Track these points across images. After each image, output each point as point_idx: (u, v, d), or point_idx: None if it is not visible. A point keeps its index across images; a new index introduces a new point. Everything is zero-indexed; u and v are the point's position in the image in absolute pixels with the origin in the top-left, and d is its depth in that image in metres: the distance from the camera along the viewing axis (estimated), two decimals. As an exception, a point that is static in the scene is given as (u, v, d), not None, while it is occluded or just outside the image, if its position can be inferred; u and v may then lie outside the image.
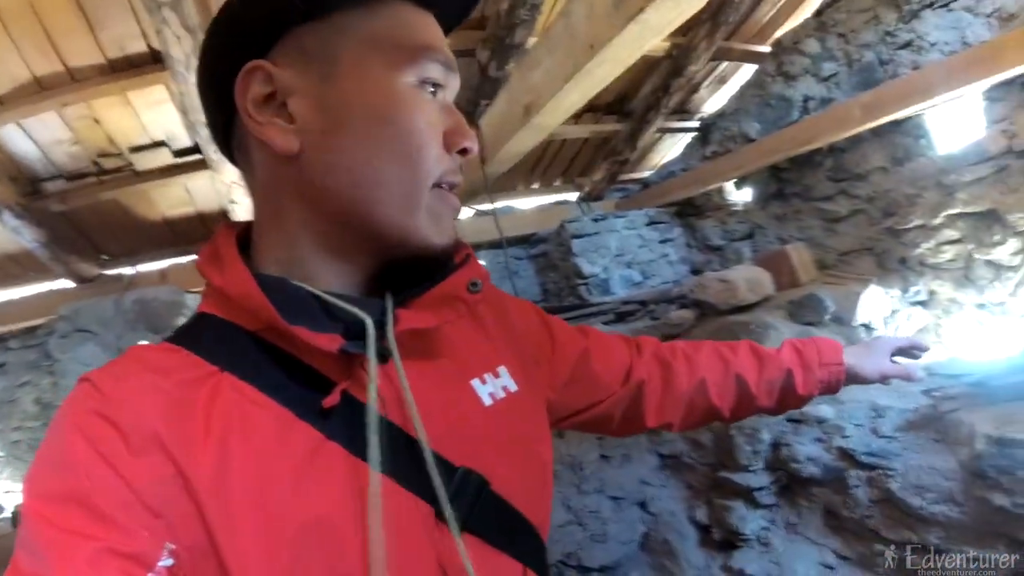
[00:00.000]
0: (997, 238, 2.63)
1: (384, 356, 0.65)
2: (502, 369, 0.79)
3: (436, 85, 0.68)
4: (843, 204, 3.37)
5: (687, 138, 4.50)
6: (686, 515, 3.01)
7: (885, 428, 2.30)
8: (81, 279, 3.66)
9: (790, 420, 2.58)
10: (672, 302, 3.61)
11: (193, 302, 3.37)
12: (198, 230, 3.80)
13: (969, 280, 2.79)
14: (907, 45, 2.88)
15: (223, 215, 3.51)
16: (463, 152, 0.69)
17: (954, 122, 2.80)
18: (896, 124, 2.98)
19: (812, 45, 3.33)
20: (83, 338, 3.29)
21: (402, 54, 0.65)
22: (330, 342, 0.61)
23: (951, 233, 2.82)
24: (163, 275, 3.71)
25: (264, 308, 0.59)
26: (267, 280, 0.63)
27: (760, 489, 2.62)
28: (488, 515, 0.67)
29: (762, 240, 3.94)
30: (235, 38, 0.65)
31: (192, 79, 2.26)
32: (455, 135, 0.68)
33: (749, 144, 3.71)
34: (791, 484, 2.57)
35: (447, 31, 0.73)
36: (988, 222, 2.68)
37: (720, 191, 4.11)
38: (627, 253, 4.22)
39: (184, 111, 2.84)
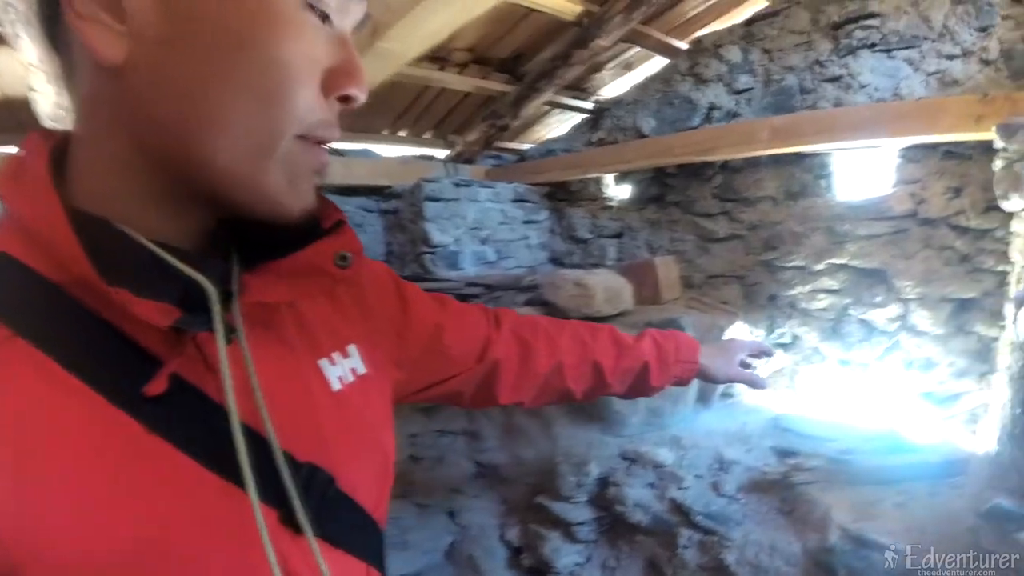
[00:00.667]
0: (879, 299, 2.48)
1: (226, 334, 0.54)
2: (352, 348, 0.73)
3: (329, 10, 0.53)
4: (723, 225, 3.14)
5: (577, 119, 4.13)
6: (497, 533, 2.67)
7: (728, 486, 2.04)
8: None
9: (624, 458, 2.28)
10: (523, 291, 3.27)
11: None
12: (8, 119, 3.01)
13: (838, 334, 2.64)
14: (835, 79, 2.65)
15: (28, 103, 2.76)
16: (346, 100, 0.56)
17: (862, 171, 2.61)
18: (800, 157, 2.77)
19: (734, 53, 3.04)
20: None
21: None
22: (161, 315, 0.49)
23: (830, 282, 2.65)
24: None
25: (76, 258, 0.46)
26: (84, 220, 0.49)
27: (580, 524, 2.31)
28: (334, 515, 0.60)
29: (630, 243, 3.67)
30: None
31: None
32: (340, 76, 0.54)
33: (641, 139, 3.39)
34: (615, 525, 2.28)
35: None
36: (872, 281, 2.52)
37: (599, 182, 3.79)
38: (485, 227, 3.77)
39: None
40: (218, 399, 0.54)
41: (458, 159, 4.08)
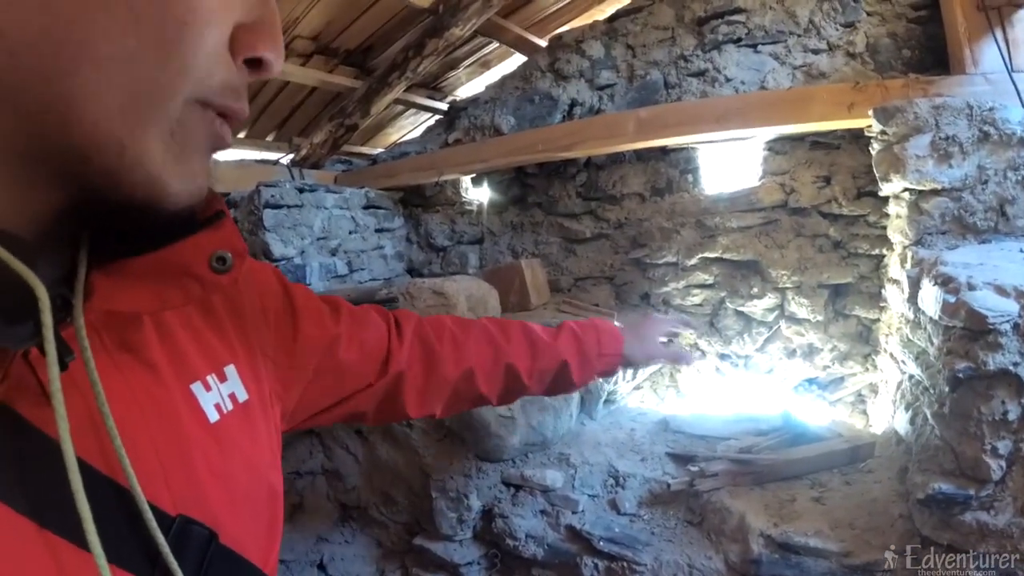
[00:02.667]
0: (755, 291, 2.44)
1: (62, 354, 0.40)
2: (230, 370, 0.60)
3: None
4: (589, 225, 3.03)
5: (431, 120, 3.90)
6: (377, 581, 2.34)
7: (627, 503, 1.87)
8: None
9: (508, 485, 2.05)
10: (382, 304, 2.97)
11: None
12: None
13: (715, 328, 2.58)
14: (701, 74, 2.62)
15: None
16: (257, 65, 0.45)
17: (728, 164, 2.58)
18: (664, 152, 2.72)
19: (596, 48, 2.94)
20: None
21: None
22: None
23: (704, 277, 2.59)
24: None
25: None
26: None
27: (468, 564, 2.05)
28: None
29: (492, 248, 3.48)
30: None
31: None
32: (252, 33, 0.43)
33: (500, 137, 3.21)
34: (507, 561, 2.05)
35: None
36: (746, 272, 2.48)
37: (456, 185, 3.57)
38: (334, 237, 3.41)
39: None
40: (53, 435, 0.40)
41: (304, 163, 3.69)
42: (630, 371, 2.53)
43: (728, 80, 2.53)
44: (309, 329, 0.78)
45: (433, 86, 3.62)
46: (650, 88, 2.73)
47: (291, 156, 3.75)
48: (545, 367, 1.11)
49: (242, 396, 0.61)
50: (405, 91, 3.33)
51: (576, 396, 2.26)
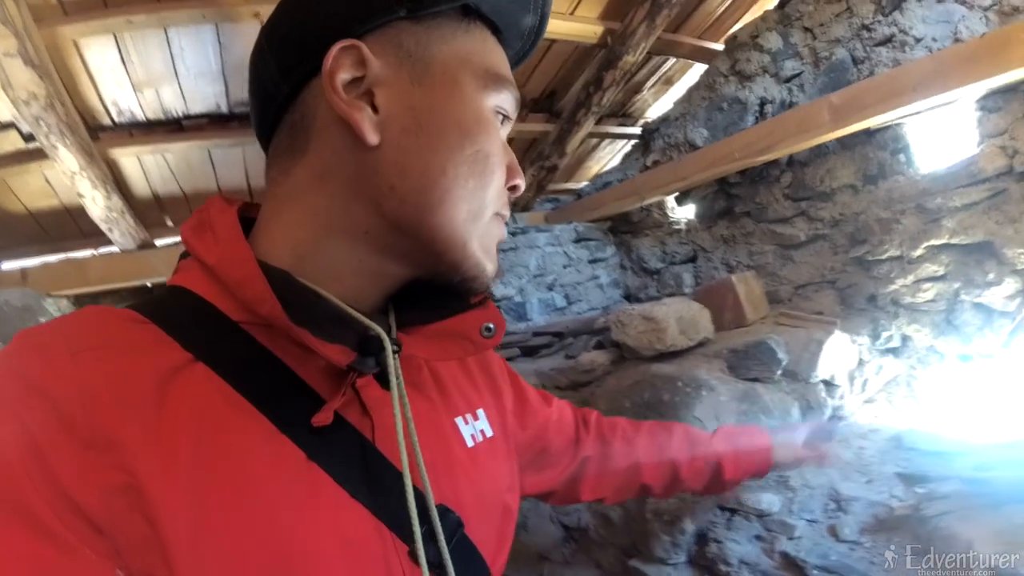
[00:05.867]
0: (991, 276, 2.08)
1: (383, 380, 0.63)
2: (480, 412, 0.79)
3: (506, 118, 0.69)
4: (802, 227, 2.81)
5: (628, 147, 3.93)
6: (595, 600, 2.38)
7: (848, 529, 1.69)
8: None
9: (722, 508, 1.97)
10: (596, 334, 3.03)
11: (54, 308, 2.79)
12: (68, 225, 3.16)
13: (952, 325, 2.24)
14: (887, 41, 2.35)
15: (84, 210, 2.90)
16: (513, 190, 0.70)
17: (941, 135, 2.25)
18: (869, 135, 2.45)
19: (773, 40, 2.78)
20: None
21: (490, 79, 0.65)
22: (340, 354, 0.58)
23: (933, 268, 2.26)
24: (24, 275, 3.02)
25: (266, 298, 0.55)
26: (270, 271, 0.58)
27: (682, 587, 2.00)
28: (459, 558, 0.63)
29: (706, 265, 3.37)
30: (336, 8, 0.60)
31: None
32: (512, 170, 0.68)
33: (694, 152, 3.13)
34: (722, 587, 1.96)
35: None
36: (979, 257, 2.13)
37: (661, 207, 3.54)
38: (549, 273, 3.59)
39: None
40: (370, 438, 0.61)
41: (514, 208, 3.95)
42: (860, 382, 2.30)
43: (918, 40, 2.22)
44: (532, 406, 0.98)
45: (622, 113, 3.65)
46: (839, 69, 2.50)
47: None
48: (701, 466, 1.23)
49: (489, 433, 0.78)
50: (596, 124, 3.42)
51: (796, 413, 2.11)
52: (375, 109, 0.60)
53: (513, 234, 3.52)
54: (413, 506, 0.58)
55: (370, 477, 0.58)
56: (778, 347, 2.10)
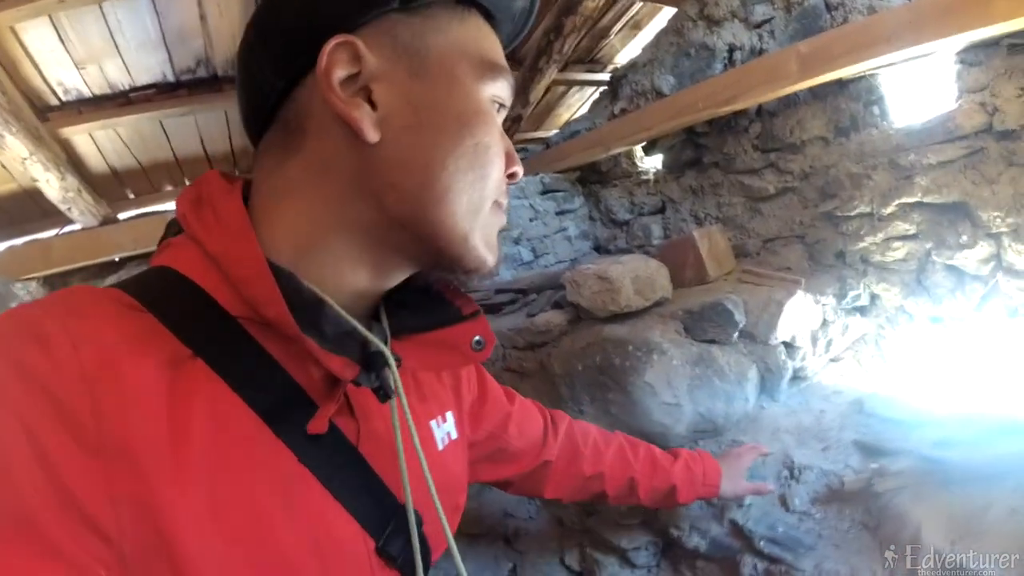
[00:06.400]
0: (964, 239, 1.99)
1: (383, 392, 0.65)
2: (449, 415, 0.84)
3: (502, 106, 0.69)
4: (771, 180, 2.70)
5: (597, 94, 3.77)
6: (557, 557, 2.36)
7: (798, 499, 1.66)
8: None
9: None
10: (561, 288, 2.94)
11: (23, 293, 2.70)
12: (29, 207, 3.16)
13: (923, 286, 2.17)
14: (864, -14, 2.20)
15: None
16: (511, 177, 0.70)
17: (917, 88, 2.13)
18: (842, 85, 2.32)
19: (743, -18, 2.62)
20: None
21: (486, 68, 0.64)
22: (345, 368, 0.60)
23: (905, 227, 2.17)
24: (-9, 260, 2.93)
25: (274, 302, 0.55)
26: (276, 271, 0.57)
27: (636, 549, 1.98)
28: (423, 557, 0.67)
29: (675, 217, 3.27)
30: (328, 2, 0.60)
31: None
32: (510, 159, 0.69)
33: (658, 101, 2.98)
34: (673, 549, 1.93)
35: None
36: (953, 217, 2.04)
37: (630, 155, 3.41)
38: (515, 227, 3.46)
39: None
40: (354, 441, 0.64)
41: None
42: (823, 342, 2.24)
43: (897, -14, 2.08)
44: (492, 404, 1.04)
45: (590, 59, 3.49)
46: (811, 15, 2.36)
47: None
48: (658, 486, 1.37)
49: (454, 435, 0.83)
50: (562, 71, 3.26)
51: (753, 377, 2.05)
52: (373, 105, 0.60)
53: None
54: (415, 533, 0.64)
55: (354, 482, 0.62)
56: (736, 308, 2.03)
